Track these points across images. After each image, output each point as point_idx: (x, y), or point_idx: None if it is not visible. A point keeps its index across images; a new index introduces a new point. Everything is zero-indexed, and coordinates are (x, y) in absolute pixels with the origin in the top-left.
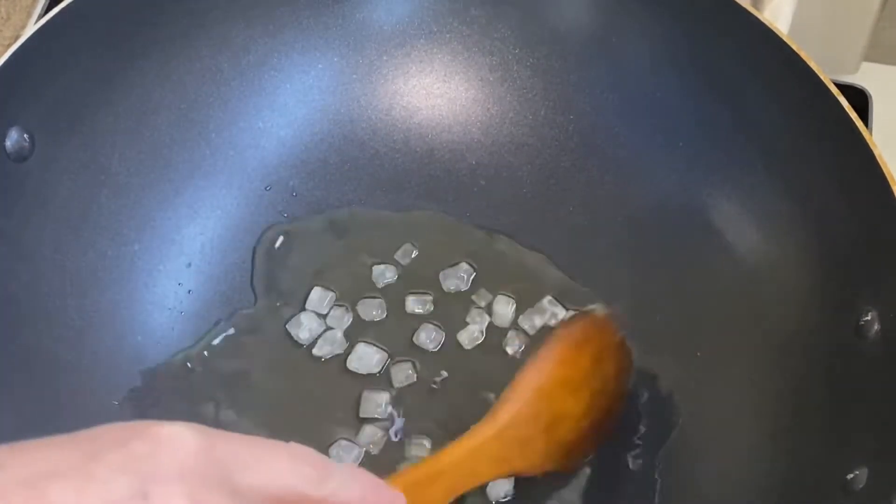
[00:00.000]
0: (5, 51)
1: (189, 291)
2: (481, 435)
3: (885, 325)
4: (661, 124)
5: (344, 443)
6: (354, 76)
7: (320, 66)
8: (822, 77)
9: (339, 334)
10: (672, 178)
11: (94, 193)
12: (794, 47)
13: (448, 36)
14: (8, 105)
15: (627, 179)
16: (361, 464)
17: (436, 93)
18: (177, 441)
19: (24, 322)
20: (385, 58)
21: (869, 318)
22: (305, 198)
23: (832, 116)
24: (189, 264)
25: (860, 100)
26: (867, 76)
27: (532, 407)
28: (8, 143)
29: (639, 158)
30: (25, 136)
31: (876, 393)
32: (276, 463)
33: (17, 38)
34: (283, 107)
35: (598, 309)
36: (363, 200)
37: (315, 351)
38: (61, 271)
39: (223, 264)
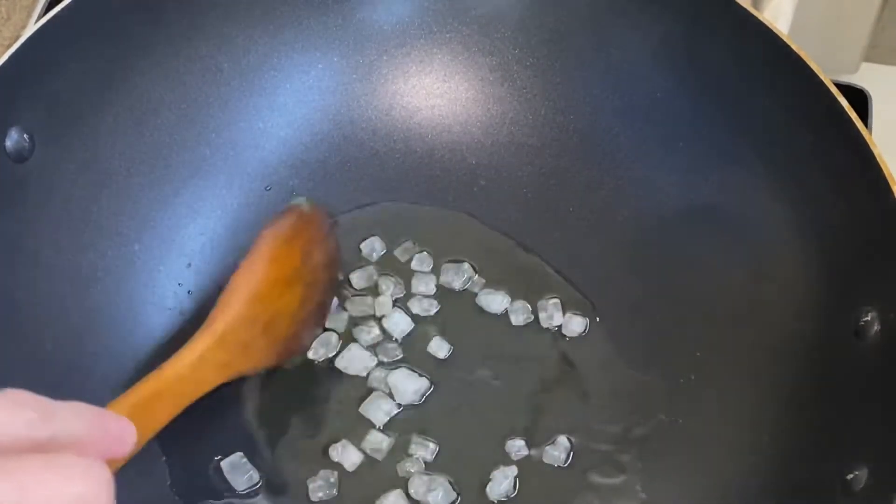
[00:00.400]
0: (5, 51)
1: (189, 292)
2: (202, 345)
3: (885, 326)
4: (661, 125)
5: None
6: (354, 76)
7: (320, 65)
8: (822, 77)
9: (333, 337)
10: (672, 179)
11: (94, 194)
12: (794, 48)
13: (448, 36)
14: (8, 105)
15: (627, 180)
16: (362, 465)
17: (436, 93)
18: None
19: (23, 322)
20: (385, 58)
21: (868, 318)
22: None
23: (832, 117)
24: (189, 264)
25: (860, 100)
26: (867, 76)
27: (250, 309)
28: (8, 144)
29: (639, 159)
30: (25, 136)
31: (875, 394)
32: None
33: (17, 38)
34: (283, 107)
35: (303, 203)
36: (363, 200)
37: (310, 354)
38: (61, 272)
39: (223, 265)
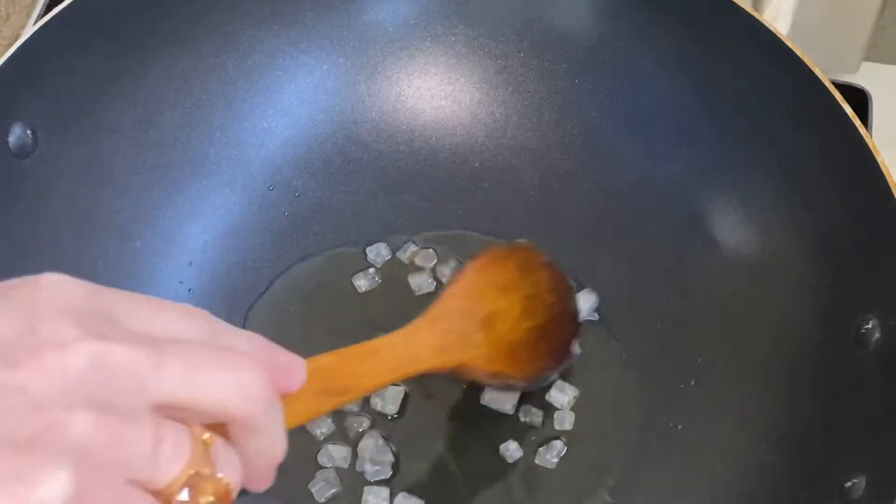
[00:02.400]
0: (6, 50)
1: (189, 290)
2: (415, 325)
3: (886, 334)
4: (664, 128)
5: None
6: (359, 77)
7: (325, 66)
8: (822, 79)
9: None
10: (675, 183)
11: (97, 191)
12: (795, 49)
13: (453, 39)
14: (11, 100)
15: (631, 183)
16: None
17: (440, 95)
18: (59, 286)
19: None
20: (390, 59)
21: (869, 326)
22: (309, 198)
23: (832, 120)
24: (190, 263)
25: (860, 100)
26: (867, 76)
27: (462, 302)
28: (11, 139)
29: (642, 162)
30: (28, 132)
31: (875, 402)
32: (167, 314)
33: (16, 37)
34: (288, 107)
35: (518, 241)
36: (366, 202)
37: None
38: (62, 268)
39: (224, 264)
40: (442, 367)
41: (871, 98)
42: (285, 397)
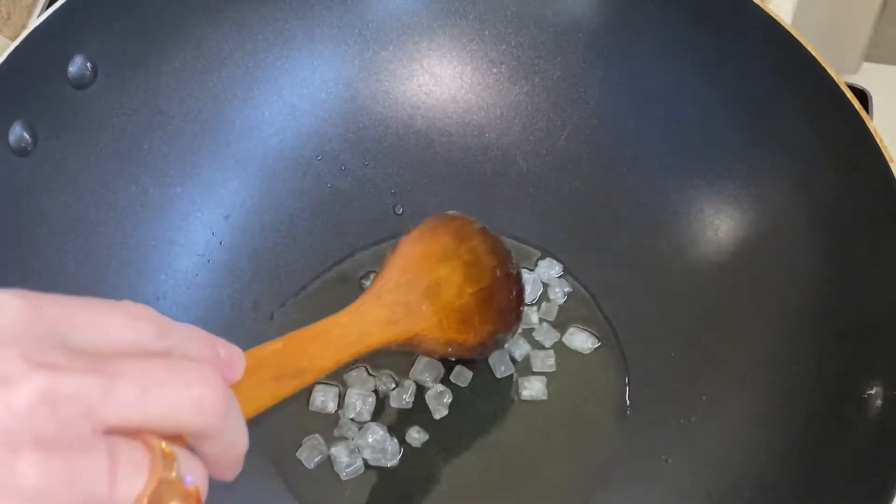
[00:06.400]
0: (5, 50)
1: (221, 242)
2: (360, 302)
3: (886, 403)
4: (668, 124)
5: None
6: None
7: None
8: (832, 74)
9: None
10: (680, 186)
11: (147, 132)
12: (810, 48)
13: (471, 34)
14: (76, 31)
15: (636, 186)
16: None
17: (462, 87)
18: None
19: (51, 239)
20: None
21: (873, 392)
22: (353, 173)
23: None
24: (227, 216)
25: (861, 100)
26: (867, 76)
27: (402, 275)
28: (71, 69)
29: (657, 170)
30: (88, 64)
31: (868, 464)
32: (112, 320)
33: (17, 37)
34: (349, 81)
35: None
36: (409, 185)
37: None
38: (100, 199)
39: (259, 222)
40: (395, 339)
41: (871, 98)
42: (243, 388)
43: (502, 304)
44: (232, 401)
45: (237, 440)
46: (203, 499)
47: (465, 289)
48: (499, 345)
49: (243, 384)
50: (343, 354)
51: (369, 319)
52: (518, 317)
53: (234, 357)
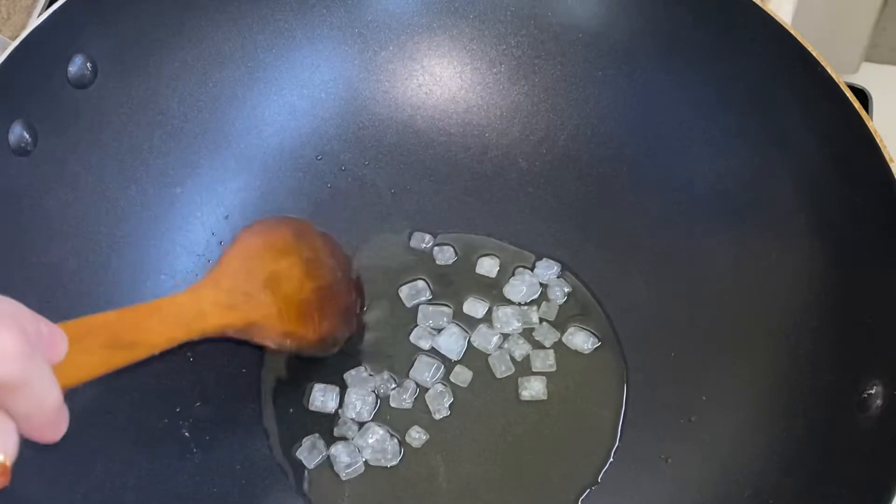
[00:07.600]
0: (5, 50)
1: (220, 243)
2: (197, 285)
3: (887, 402)
4: (668, 124)
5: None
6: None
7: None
8: (832, 74)
9: None
10: (680, 186)
11: (148, 132)
12: (801, 39)
13: (476, 35)
14: (77, 31)
15: (636, 186)
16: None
17: (464, 88)
18: None
19: (53, 239)
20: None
21: (873, 391)
22: (353, 173)
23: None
24: (227, 217)
25: (861, 99)
26: (867, 76)
27: (242, 263)
28: (71, 69)
29: (655, 162)
30: (88, 64)
31: (868, 465)
32: None
33: (16, 37)
34: (349, 81)
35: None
36: (409, 185)
37: None
38: (100, 198)
39: None
40: (232, 324)
41: (871, 98)
42: (71, 352)
43: (342, 304)
44: (33, 351)
45: (45, 391)
46: (10, 466)
47: (306, 283)
48: (337, 344)
49: (71, 349)
50: (178, 333)
51: (207, 302)
52: (358, 320)
53: (55, 333)
